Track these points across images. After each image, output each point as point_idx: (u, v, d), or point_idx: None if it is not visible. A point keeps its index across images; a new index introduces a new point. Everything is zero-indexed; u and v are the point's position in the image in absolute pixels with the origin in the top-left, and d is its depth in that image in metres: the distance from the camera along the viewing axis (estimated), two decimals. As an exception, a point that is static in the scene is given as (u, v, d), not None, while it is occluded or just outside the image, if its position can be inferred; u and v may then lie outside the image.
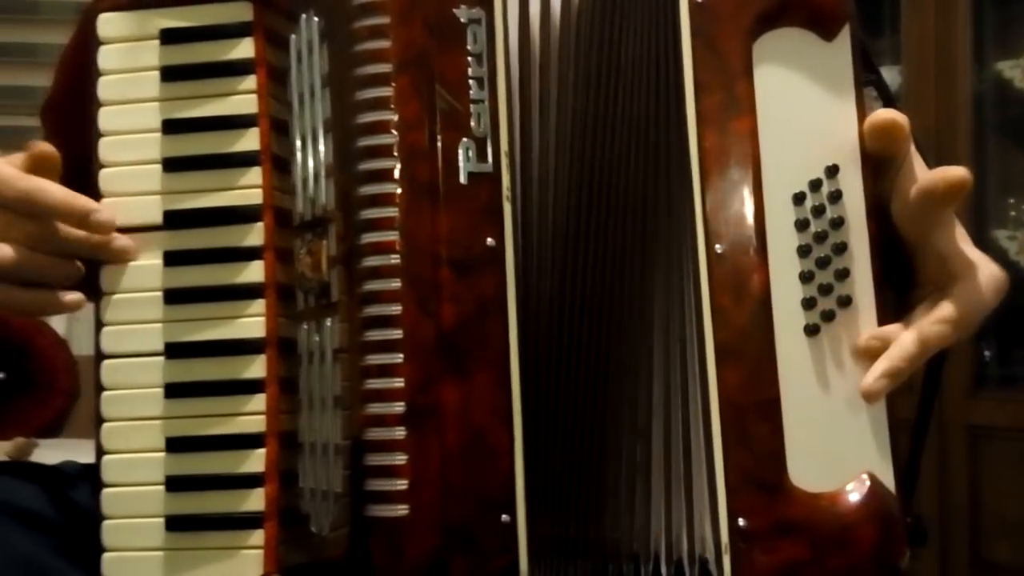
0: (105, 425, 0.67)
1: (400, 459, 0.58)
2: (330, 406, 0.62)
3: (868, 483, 0.60)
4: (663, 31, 0.65)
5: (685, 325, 0.64)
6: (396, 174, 0.60)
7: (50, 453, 0.82)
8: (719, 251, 0.62)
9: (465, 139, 0.60)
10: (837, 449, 0.61)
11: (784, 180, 0.62)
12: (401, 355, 0.59)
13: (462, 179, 0.60)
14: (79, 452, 0.79)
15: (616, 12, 0.66)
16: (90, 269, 0.69)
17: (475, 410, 0.58)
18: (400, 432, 0.58)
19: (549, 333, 0.64)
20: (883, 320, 0.62)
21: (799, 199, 0.62)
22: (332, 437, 0.61)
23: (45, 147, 0.68)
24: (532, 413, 0.61)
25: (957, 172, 0.61)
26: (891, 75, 2.15)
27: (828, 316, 0.62)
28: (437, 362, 0.58)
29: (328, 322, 0.62)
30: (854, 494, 0.60)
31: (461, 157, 0.60)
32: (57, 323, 1.93)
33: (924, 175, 0.63)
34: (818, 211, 0.62)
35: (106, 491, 0.67)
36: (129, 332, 0.68)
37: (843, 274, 0.62)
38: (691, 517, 0.63)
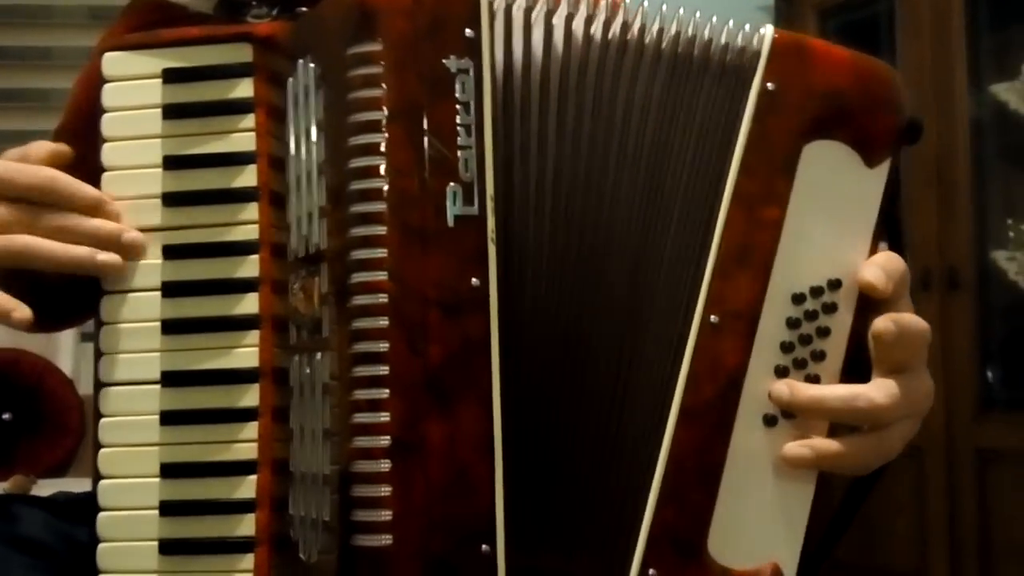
0: (102, 451, 0.69)
1: (385, 491, 0.60)
2: (319, 437, 0.64)
3: (770, 573, 0.63)
4: (715, 105, 0.67)
5: (655, 379, 0.66)
6: (386, 217, 0.62)
7: (47, 490, 0.85)
8: (713, 321, 0.64)
9: (452, 183, 0.62)
10: (757, 533, 0.64)
11: (790, 277, 0.65)
12: (388, 391, 0.60)
13: (449, 222, 0.62)
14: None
15: (641, 73, 0.68)
16: (91, 297, 0.70)
17: (459, 446, 0.60)
18: (386, 465, 0.60)
19: (535, 372, 0.66)
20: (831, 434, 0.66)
21: (798, 299, 0.65)
22: (321, 467, 0.63)
23: (63, 147, 0.71)
24: (514, 449, 0.63)
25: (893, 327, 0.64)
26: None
27: (788, 414, 0.65)
28: (423, 399, 0.60)
29: (319, 356, 0.64)
30: None
31: (448, 201, 0.62)
32: (64, 363, 1.96)
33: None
34: (810, 316, 0.65)
35: (102, 515, 0.68)
36: (127, 361, 0.70)
37: (814, 379, 0.65)
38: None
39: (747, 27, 0.68)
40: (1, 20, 2.46)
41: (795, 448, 0.64)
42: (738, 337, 0.64)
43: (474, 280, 0.61)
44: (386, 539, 0.59)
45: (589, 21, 0.68)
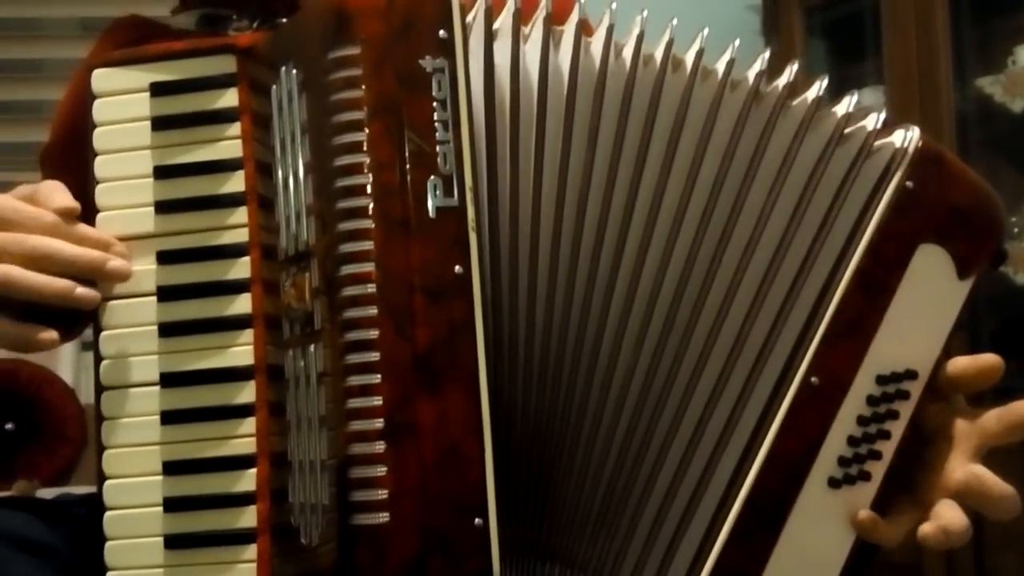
0: (106, 452, 0.72)
1: (381, 471, 0.63)
2: (316, 425, 0.66)
3: None
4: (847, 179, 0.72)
5: (735, 419, 0.70)
6: (370, 211, 0.65)
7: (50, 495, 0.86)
8: (814, 382, 0.69)
9: (433, 177, 0.65)
10: None
11: (878, 360, 0.70)
12: (379, 376, 0.63)
13: (431, 213, 0.65)
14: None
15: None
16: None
17: (449, 424, 0.63)
18: (380, 446, 0.63)
19: (523, 352, 0.69)
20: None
21: (881, 380, 0.70)
22: (318, 454, 0.66)
23: (74, 204, 0.72)
24: (504, 426, 0.66)
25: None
26: (876, 96, 2.20)
27: (850, 479, 0.70)
28: (413, 381, 0.63)
29: (312, 348, 0.67)
30: None
31: (429, 193, 0.65)
32: (65, 373, 1.97)
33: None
34: (887, 398, 0.70)
35: (108, 514, 0.71)
36: (126, 364, 0.72)
37: (876, 455, 0.70)
38: (667, 565, 0.69)
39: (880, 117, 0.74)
40: (-9, 33, 2.47)
41: (929, 528, 0.68)
42: (830, 401, 0.69)
43: (457, 268, 0.65)
44: (383, 517, 0.62)
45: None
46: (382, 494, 0.62)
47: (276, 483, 0.69)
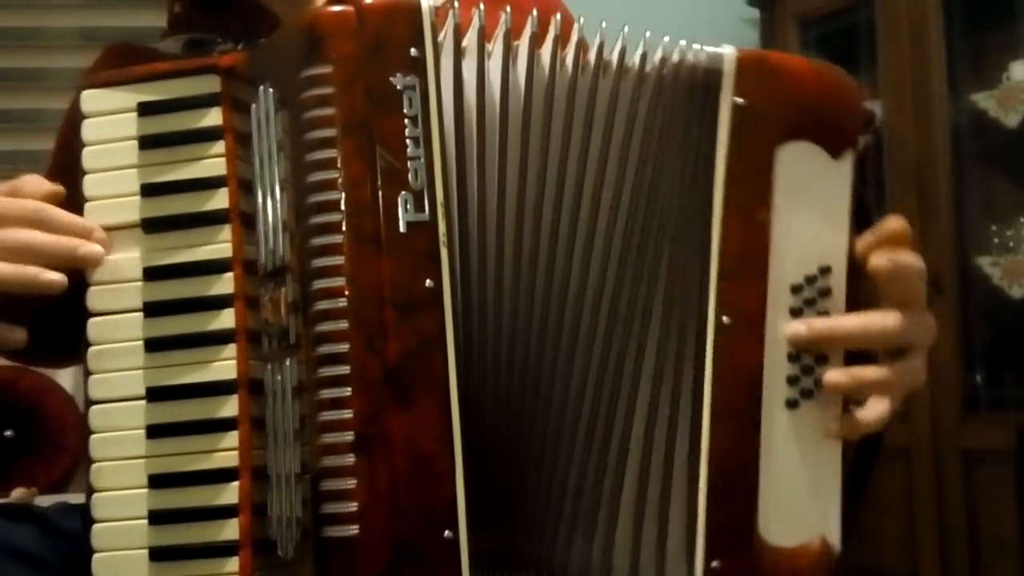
0: (94, 465, 0.73)
1: (351, 483, 0.63)
2: (291, 438, 0.67)
3: (821, 546, 0.69)
4: (693, 120, 0.72)
5: (680, 383, 0.70)
6: (342, 226, 0.66)
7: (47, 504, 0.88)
8: (727, 322, 0.69)
9: (404, 192, 0.66)
10: (800, 511, 0.69)
11: (785, 271, 0.70)
12: (350, 389, 0.64)
13: (402, 228, 0.66)
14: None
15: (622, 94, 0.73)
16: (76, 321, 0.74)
17: (419, 437, 0.64)
18: (350, 459, 0.64)
19: (494, 366, 0.70)
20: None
21: (796, 289, 0.70)
22: (293, 467, 0.67)
23: (57, 187, 0.75)
24: (475, 439, 0.66)
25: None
26: (871, 109, 2.20)
27: (807, 394, 0.70)
28: (383, 394, 0.64)
29: (288, 362, 0.68)
30: (810, 555, 0.68)
31: (400, 208, 0.66)
32: (65, 382, 1.99)
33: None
34: (809, 303, 0.70)
35: (96, 526, 0.72)
36: (113, 379, 0.73)
37: (822, 358, 0.70)
38: (663, 556, 0.70)
39: (706, 48, 0.73)
40: (-8, 41, 2.50)
41: (835, 376, 0.68)
42: (750, 332, 0.69)
43: (428, 281, 0.65)
44: (353, 529, 0.63)
45: (538, 43, 0.72)
46: (352, 506, 0.63)
47: (257, 496, 0.70)
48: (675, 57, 0.73)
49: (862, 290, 0.71)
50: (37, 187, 0.75)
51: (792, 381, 0.69)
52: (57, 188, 0.75)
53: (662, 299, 0.71)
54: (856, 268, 0.71)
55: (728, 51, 0.72)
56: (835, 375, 0.69)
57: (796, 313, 0.69)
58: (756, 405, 0.68)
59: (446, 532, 0.63)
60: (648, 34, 0.73)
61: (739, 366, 0.68)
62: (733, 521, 0.68)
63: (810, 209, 0.70)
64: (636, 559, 0.70)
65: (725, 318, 0.69)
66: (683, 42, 0.73)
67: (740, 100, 0.71)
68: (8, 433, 1.83)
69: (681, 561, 0.69)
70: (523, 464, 0.70)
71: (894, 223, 0.71)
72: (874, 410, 0.70)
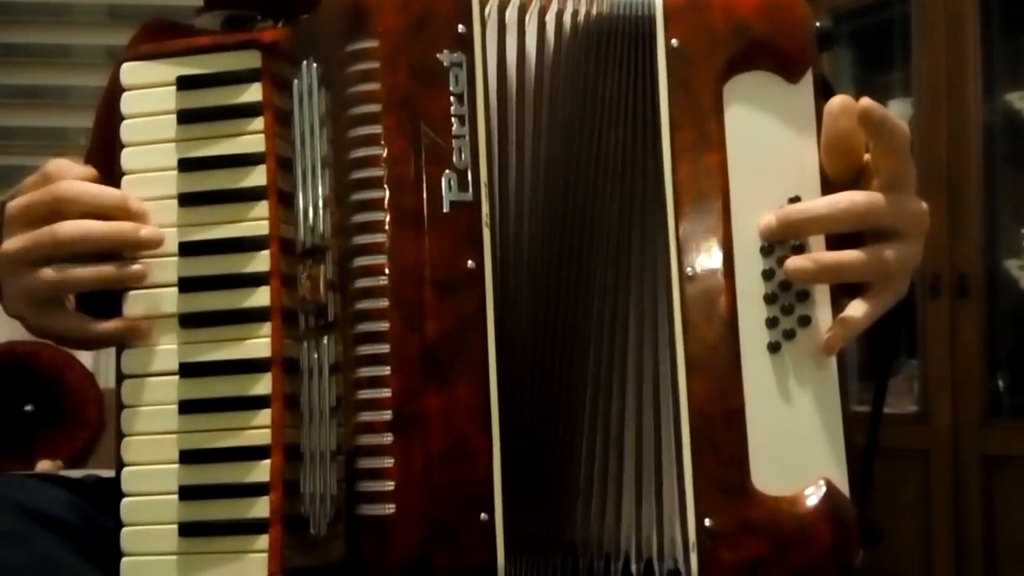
0: (125, 439, 0.73)
1: (388, 462, 0.63)
2: (327, 416, 0.67)
3: (824, 488, 0.65)
4: (641, 73, 0.70)
5: (658, 341, 0.69)
6: (384, 203, 0.65)
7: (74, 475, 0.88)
8: (690, 273, 0.67)
9: (448, 171, 0.66)
10: (796, 456, 0.66)
11: (750, 209, 0.68)
12: (388, 367, 0.64)
13: (445, 208, 0.65)
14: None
15: (593, 56, 0.71)
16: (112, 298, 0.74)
17: (456, 417, 0.63)
18: (388, 438, 0.63)
19: (526, 347, 0.69)
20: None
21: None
22: (328, 445, 0.67)
23: (90, 170, 0.75)
24: (509, 420, 0.66)
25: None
26: (903, 107, 2.18)
27: (789, 335, 0.67)
28: (421, 373, 0.64)
29: (325, 340, 0.68)
30: (812, 498, 0.65)
31: (444, 188, 0.65)
32: (84, 357, 1.99)
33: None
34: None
35: (125, 500, 0.72)
36: (146, 353, 0.73)
37: (803, 295, 0.67)
38: (660, 519, 0.68)
39: None
40: (21, 17, 2.49)
41: (796, 261, 0.66)
42: (718, 279, 0.67)
43: (470, 263, 0.65)
44: (389, 508, 0.63)
45: (575, 15, 0.71)
46: (388, 485, 0.63)
47: (289, 474, 0.70)
48: (606, 9, 0.71)
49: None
50: (68, 170, 0.74)
51: (772, 323, 0.67)
52: (88, 169, 0.75)
53: (640, 261, 0.69)
54: (833, 190, 0.68)
55: None
56: (797, 260, 0.66)
57: (767, 251, 0.67)
58: (734, 352, 0.66)
59: (482, 514, 0.62)
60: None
61: (710, 314, 0.66)
62: (723, 474, 0.65)
63: (771, 140, 0.68)
64: (639, 528, 0.68)
65: (688, 269, 0.67)
66: None
67: (675, 42, 0.69)
68: (28, 407, 1.84)
69: (676, 524, 0.67)
70: (555, 442, 0.69)
71: (832, 105, 0.67)
72: (859, 306, 0.67)
